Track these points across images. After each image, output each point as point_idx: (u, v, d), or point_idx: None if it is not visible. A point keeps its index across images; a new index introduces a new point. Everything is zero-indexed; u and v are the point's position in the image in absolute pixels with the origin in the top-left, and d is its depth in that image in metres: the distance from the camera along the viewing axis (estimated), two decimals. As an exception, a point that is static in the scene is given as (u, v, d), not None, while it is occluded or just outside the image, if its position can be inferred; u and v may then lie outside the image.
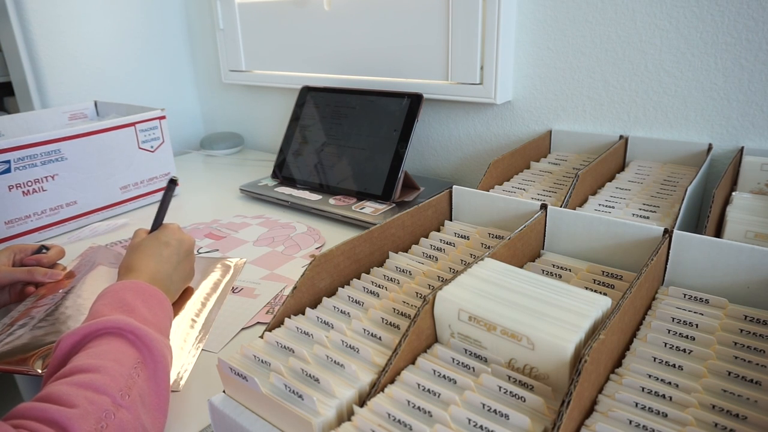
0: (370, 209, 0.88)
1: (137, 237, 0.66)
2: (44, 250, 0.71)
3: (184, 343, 0.58)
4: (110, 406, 0.40)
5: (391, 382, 0.38)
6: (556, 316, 0.38)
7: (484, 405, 0.35)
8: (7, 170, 0.81)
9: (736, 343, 0.41)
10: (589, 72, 0.85)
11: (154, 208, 1.01)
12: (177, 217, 0.95)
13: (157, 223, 0.68)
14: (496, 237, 0.58)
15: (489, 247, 0.56)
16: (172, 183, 0.68)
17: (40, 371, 0.53)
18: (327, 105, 1.04)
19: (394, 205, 0.90)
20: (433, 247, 0.58)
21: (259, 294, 0.68)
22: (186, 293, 0.66)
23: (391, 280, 0.52)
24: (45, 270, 0.68)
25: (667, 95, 0.79)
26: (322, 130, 1.03)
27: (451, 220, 0.65)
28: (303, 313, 0.48)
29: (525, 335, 0.37)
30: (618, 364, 0.40)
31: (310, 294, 0.48)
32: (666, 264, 0.50)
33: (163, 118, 1.02)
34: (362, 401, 0.38)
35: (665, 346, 0.41)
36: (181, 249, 0.64)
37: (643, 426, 0.33)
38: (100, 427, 0.38)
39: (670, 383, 0.37)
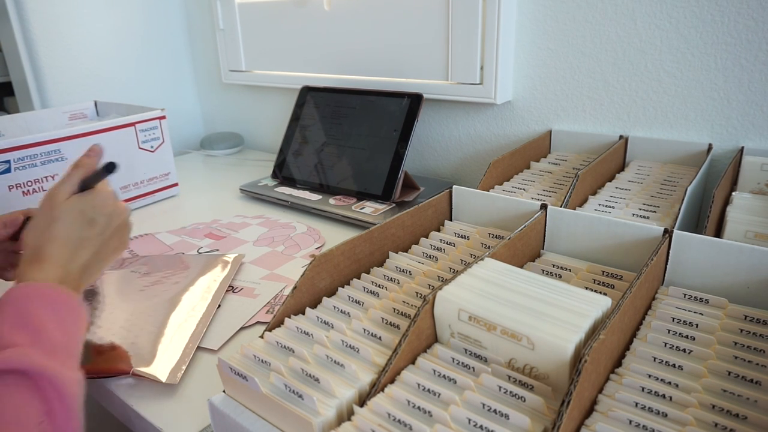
0: (370, 209, 0.88)
1: (55, 198, 0.50)
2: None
3: (180, 338, 0.57)
4: None
5: (391, 382, 0.38)
6: (556, 316, 0.38)
7: (484, 405, 0.35)
8: (7, 170, 0.81)
9: (736, 343, 0.41)
10: (589, 72, 0.85)
11: (155, 208, 1.02)
12: (177, 217, 0.95)
13: (86, 185, 0.53)
14: (496, 237, 0.58)
15: (489, 247, 0.56)
16: (108, 170, 0.54)
17: None
18: (327, 105, 1.04)
19: (394, 205, 0.90)
20: (433, 247, 0.58)
21: (259, 294, 0.68)
22: (183, 290, 0.66)
23: (391, 280, 0.52)
24: None
25: (667, 95, 0.79)
26: (322, 130, 1.03)
27: (451, 220, 0.65)
28: (303, 313, 0.48)
29: (525, 335, 0.37)
30: (618, 364, 0.40)
31: (310, 294, 0.48)
32: (666, 264, 0.50)
33: (163, 118, 1.02)
34: (362, 401, 0.38)
35: (665, 346, 0.41)
36: (110, 225, 0.52)
37: (643, 426, 0.33)
38: None
39: (670, 383, 0.37)
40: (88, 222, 0.50)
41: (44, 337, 0.40)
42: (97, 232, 0.51)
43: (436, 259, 0.56)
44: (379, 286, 0.50)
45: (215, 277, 0.69)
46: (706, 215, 0.57)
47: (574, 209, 0.61)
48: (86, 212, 0.51)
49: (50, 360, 0.39)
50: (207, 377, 0.54)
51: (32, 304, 0.42)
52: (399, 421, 0.34)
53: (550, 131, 0.90)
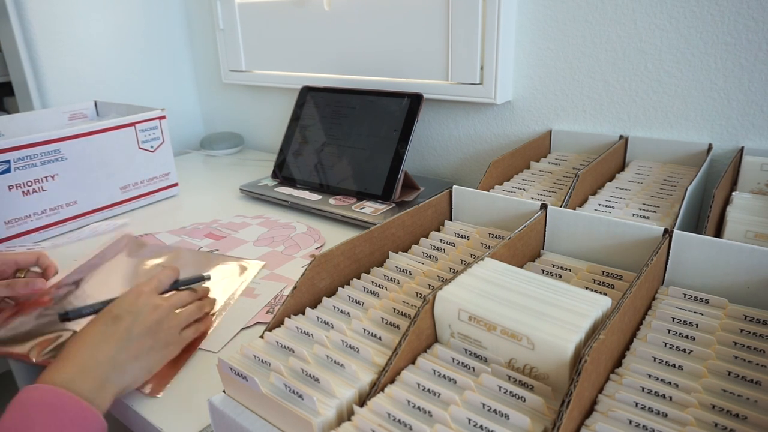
0: (370, 209, 0.88)
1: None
2: (19, 275, 0.67)
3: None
4: None
5: (391, 382, 0.38)
6: (556, 316, 0.38)
7: (484, 405, 0.35)
8: (7, 170, 0.81)
9: (736, 343, 0.41)
10: (589, 72, 0.85)
11: (154, 208, 1.02)
12: (177, 218, 0.95)
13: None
14: (496, 237, 0.58)
15: (489, 247, 0.56)
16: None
17: (34, 360, 0.54)
18: (327, 105, 1.04)
19: (394, 205, 0.90)
20: (433, 247, 0.58)
21: (259, 294, 0.68)
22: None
23: (391, 280, 0.52)
24: (25, 281, 0.65)
25: (667, 95, 0.79)
26: (322, 130, 1.03)
27: (451, 220, 0.65)
28: (303, 313, 0.48)
29: (525, 335, 0.37)
30: (618, 364, 0.40)
31: (310, 294, 0.48)
32: (666, 264, 0.50)
33: (163, 118, 1.02)
34: (362, 401, 0.38)
35: (665, 346, 0.41)
36: (138, 321, 0.52)
37: (643, 426, 0.33)
38: None
39: (670, 383, 0.37)
40: (113, 319, 0.51)
41: None
42: (123, 327, 0.51)
43: (436, 259, 0.56)
44: (379, 286, 0.50)
45: (236, 284, 0.70)
46: (706, 215, 0.57)
47: (574, 209, 0.61)
48: (113, 311, 0.52)
49: None
50: (207, 377, 0.54)
51: (34, 411, 0.42)
52: (399, 421, 0.34)
53: (550, 131, 0.90)
